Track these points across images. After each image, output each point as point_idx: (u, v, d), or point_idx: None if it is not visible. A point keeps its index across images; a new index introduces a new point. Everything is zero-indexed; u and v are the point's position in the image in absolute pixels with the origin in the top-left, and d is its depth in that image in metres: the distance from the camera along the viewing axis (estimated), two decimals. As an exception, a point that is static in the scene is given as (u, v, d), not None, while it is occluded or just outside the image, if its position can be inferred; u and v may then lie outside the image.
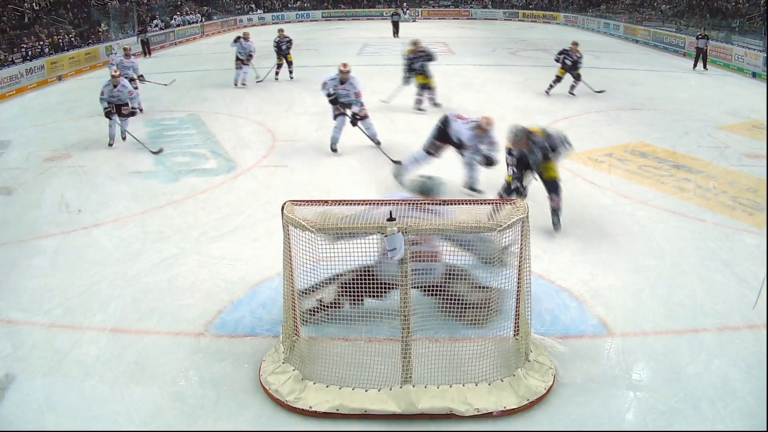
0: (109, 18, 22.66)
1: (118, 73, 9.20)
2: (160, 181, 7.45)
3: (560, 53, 11.77)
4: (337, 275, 3.82)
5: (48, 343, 4.12)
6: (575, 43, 11.88)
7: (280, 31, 14.21)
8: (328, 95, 8.14)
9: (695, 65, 15.95)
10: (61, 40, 18.48)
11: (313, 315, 3.92)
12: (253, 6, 35.60)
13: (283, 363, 3.61)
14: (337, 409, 3.33)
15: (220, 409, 3.44)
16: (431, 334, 3.69)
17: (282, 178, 7.40)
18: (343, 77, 8.06)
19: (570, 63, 11.66)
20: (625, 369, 3.74)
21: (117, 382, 3.69)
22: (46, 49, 17.29)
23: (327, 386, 3.44)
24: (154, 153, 8.40)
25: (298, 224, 3.36)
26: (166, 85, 12.93)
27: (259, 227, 5.90)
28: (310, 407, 3.35)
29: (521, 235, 3.50)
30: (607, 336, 4.08)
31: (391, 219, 3.25)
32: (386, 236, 3.23)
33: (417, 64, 10.65)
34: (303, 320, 3.82)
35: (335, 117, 8.27)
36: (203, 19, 29.49)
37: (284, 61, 14.17)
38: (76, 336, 4.18)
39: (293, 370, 3.53)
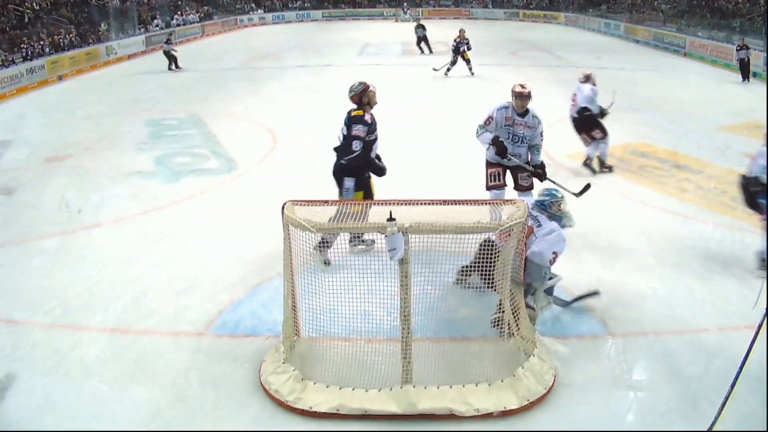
0: (109, 18, 22.66)
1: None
2: (161, 181, 7.45)
3: None
4: None
5: (48, 343, 4.11)
6: None
7: (461, 31, 14.77)
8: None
9: (743, 78, 14.43)
10: (61, 40, 18.48)
11: None
12: (253, 6, 35.60)
13: (284, 363, 3.60)
14: (337, 410, 3.32)
15: (220, 409, 3.44)
16: (431, 334, 3.69)
17: (282, 177, 7.40)
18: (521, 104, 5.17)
19: None
20: (625, 369, 3.74)
21: (117, 382, 3.69)
22: (47, 49, 17.30)
23: (327, 386, 3.44)
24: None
25: (298, 224, 3.36)
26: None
27: (259, 227, 5.89)
28: (310, 407, 3.35)
29: (521, 236, 3.50)
30: (607, 336, 4.08)
31: (391, 219, 3.25)
32: (386, 236, 3.23)
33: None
34: None
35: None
36: (204, 19, 29.50)
37: (459, 59, 14.74)
38: (76, 336, 4.18)
39: (293, 370, 3.53)
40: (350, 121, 4.77)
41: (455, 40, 14.88)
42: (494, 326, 3.78)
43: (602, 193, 6.72)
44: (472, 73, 15.01)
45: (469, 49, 14.89)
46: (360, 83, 4.86)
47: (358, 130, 4.68)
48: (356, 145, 4.66)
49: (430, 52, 19.35)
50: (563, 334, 4.06)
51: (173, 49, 17.62)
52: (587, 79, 7.49)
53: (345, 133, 4.83)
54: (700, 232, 5.75)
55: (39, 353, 3.99)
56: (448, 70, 15.05)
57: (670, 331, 4.14)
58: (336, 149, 4.92)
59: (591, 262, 5.15)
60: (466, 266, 3.90)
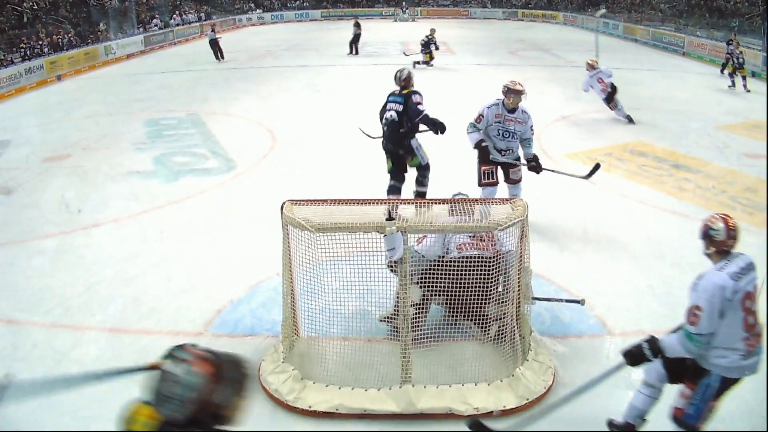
0: (107, 18, 22.63)
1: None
2: (160, 181, 7.45)
3: None
4: None
5: (48, 343, 4.12)
6: None
7: (432, 30, 16.04)
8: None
9: (723, 70, 14.38)
10: (60, 40, 18.46)
11: None
12: (252, 5, 35.57)
13: (283, 362, 3.61)
14: (337, 409, 3.33)
15: (220, 409, 3.43)
16: (431, 335, 3.68)
17: (281, 177, 7.40)
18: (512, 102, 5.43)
19: None
20: (625, 369, 3.73)
21: (117, 382, 3.68)
22: (46, 49, 17.27)
23: (326, 386, 3.44)
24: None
25: (297, 224, 3.36)
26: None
27: (258, 227, 5.89)
28: (310, 407, 3.35)
29: (521, 235, 3.50)
30: (607, 336, 4.08)
31: (390, 218, 3.25)
32: (385, 236, 3.23)
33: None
34: None
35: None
36: (204, 18, 29.47)
37: (429, 57, 15.88)
38: (76, 336, 4.19)
39: (293, 370, 3.53)
40: (407, 96, 5.52)
41: (426, 37, 15.69)
42: (495, 340, 3.71)
43: (602, 193, 6.73)
44: (431, 65, 15.94)
45: (437, 48, 15.99)
46: (403, 69, 5.75)
47: (419, 97, 5.51)
48: (422, 107, 5.47)
49: (356, 53, 18.96)
50: (563, 333, 4.07)
51: (219, 38, 18.31)
52: (595, 63, 9.99)
53: (398, 109, 5.52)
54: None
55: (39, 353, 4.00)
56: (417, 62, 15.62)
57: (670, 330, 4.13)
58: (386, 125, 5.62)
59: (590, 261, 5.15)
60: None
